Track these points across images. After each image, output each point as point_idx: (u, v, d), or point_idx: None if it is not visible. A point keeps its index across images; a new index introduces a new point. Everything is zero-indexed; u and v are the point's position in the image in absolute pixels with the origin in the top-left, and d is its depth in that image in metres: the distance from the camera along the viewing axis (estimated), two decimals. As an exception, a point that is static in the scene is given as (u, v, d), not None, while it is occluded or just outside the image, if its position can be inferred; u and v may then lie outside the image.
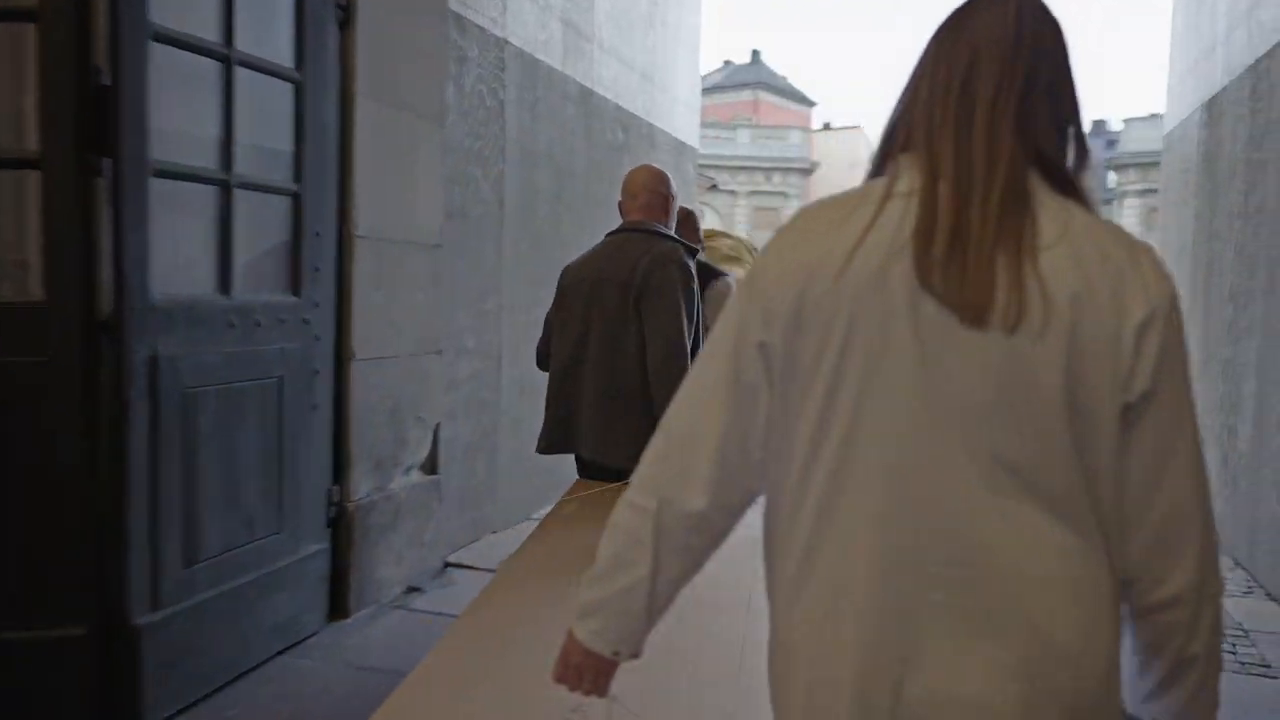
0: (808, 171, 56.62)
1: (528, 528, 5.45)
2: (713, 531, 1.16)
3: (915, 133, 1.08)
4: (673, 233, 3.10)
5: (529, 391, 5.52)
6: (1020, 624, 0.99)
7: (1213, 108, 6.04)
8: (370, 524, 3.98)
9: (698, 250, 3.12)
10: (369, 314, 3.93)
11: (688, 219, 3.88)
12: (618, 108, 6.70)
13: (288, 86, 3.49)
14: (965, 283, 0.98)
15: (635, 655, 1.21)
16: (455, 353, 4.72)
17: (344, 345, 3.82)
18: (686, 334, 2.80)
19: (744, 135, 55.60)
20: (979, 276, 0.98)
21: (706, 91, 63.85)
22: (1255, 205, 5.06)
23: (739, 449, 1.11)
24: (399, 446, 4.19)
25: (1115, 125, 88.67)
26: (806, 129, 61.08)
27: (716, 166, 54.09)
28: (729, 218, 54.24)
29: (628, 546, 1.15)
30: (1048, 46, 1.07)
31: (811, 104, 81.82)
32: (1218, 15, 6.21)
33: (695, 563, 1.18)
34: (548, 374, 3.14)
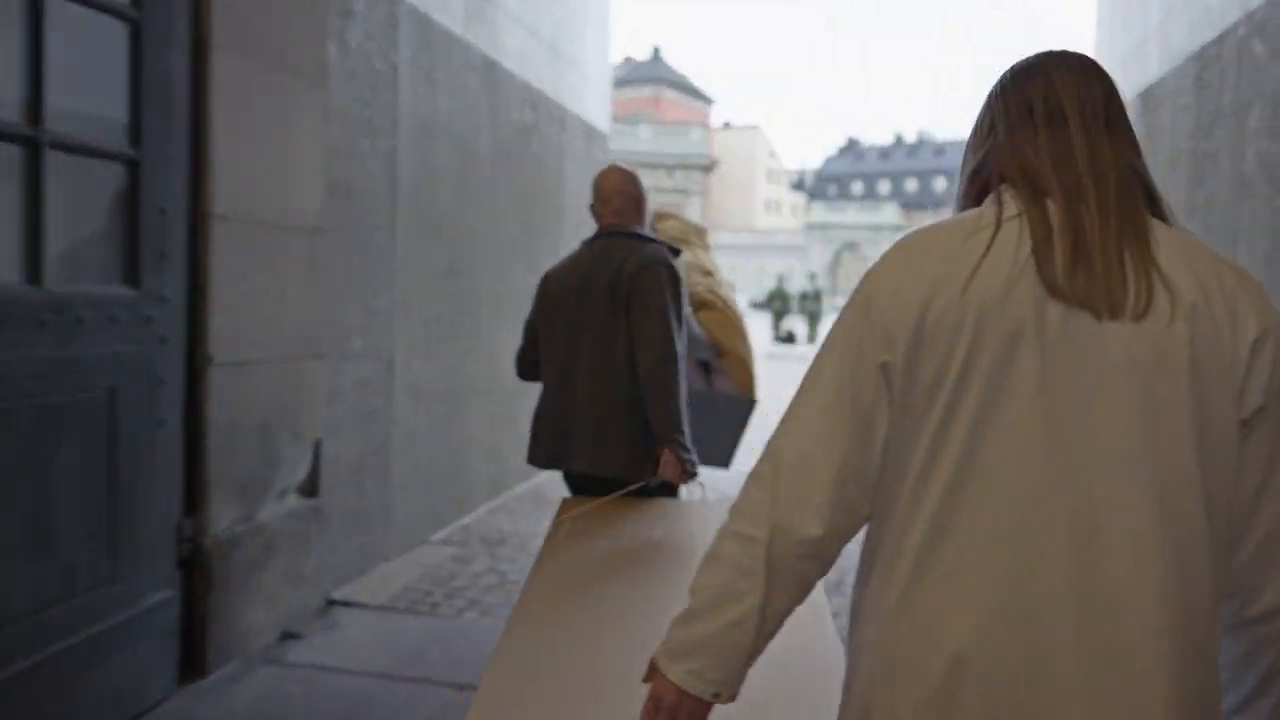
0: (708, 169, 56.77)
1: (427, 552, 4.92)
2: (825, 559, 1.13)
3: (1005, 167, 1.13)
4: (650, 233, 3.03)
5: (426, 399, 4.89)
6: (1150, 649, 0.99)
7: (1148, 99, 5.81)
8: (234, 561, 3.32)
9: (680, 251, 3.01)
10: (232, 310, 3.27)
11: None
12: (526, 84, 6.10)
13: (121, 27, 2.80)
14: (1094, 279, 1.01)
15: (732, 698, 1.15)
16: (340, 356, 4.07)
17: (199, 348, 3.15)
18: (677, 337, 2.75)
19: (645, 131, 55.35)
20: (1107, 272, 1.02)
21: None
22: (1204, 198, 4.81)
23: (857, 474, 1.10)
24: (270, 467, 3.53)
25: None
26: (707, 126, 61.24)
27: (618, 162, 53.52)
28: (630, 214, 53.90)
29: (735, 578, 1.10)
30: (1108, 82, 1.16)
31: (711, 101, 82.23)
32: (1149, 6, 6.00)
33: (804, 593, 1.14)
34: (534, 382, 3.12)
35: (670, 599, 1.47)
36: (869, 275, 1.13)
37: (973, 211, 1.13)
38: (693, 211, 55.05)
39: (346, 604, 3.99)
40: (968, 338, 1.02)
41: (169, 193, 3.00)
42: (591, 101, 7.59)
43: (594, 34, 7.67)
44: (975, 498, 1.02)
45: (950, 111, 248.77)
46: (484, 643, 3.67)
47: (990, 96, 1.20)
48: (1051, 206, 1.06)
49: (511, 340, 6.17)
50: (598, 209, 3.01)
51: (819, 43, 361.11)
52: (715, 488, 3.02)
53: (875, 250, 68.92)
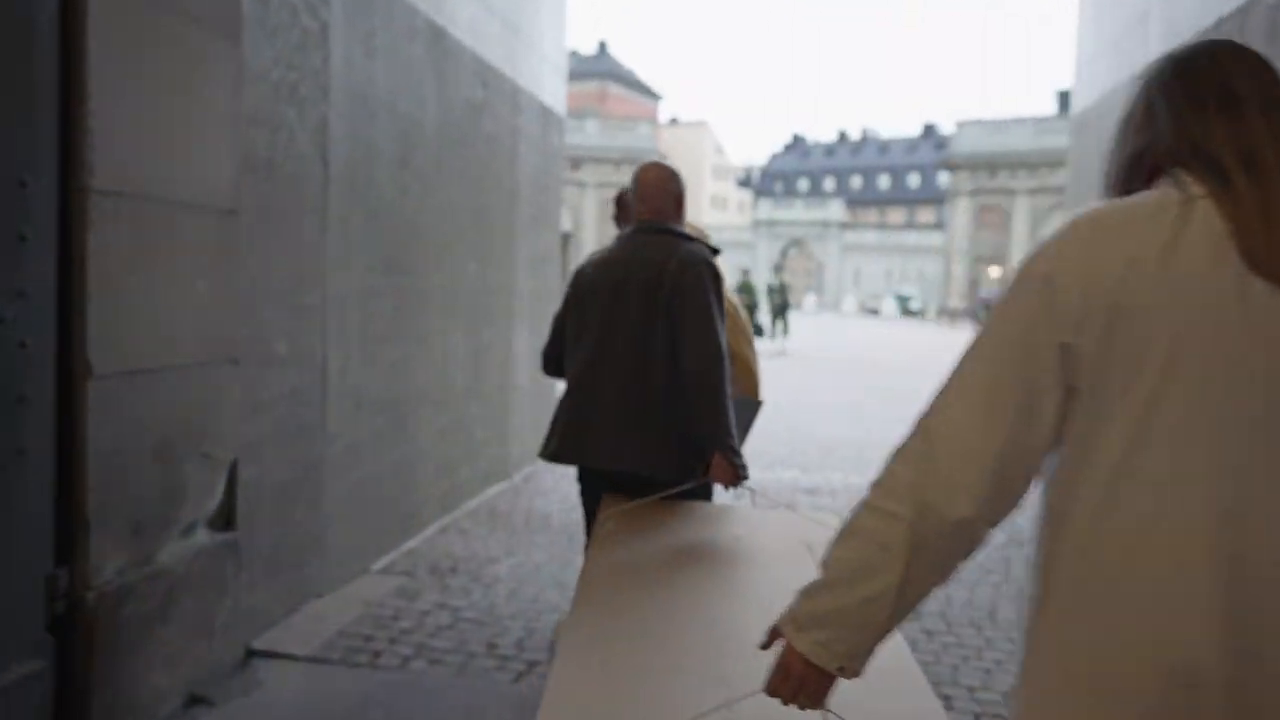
0: (657, 164, 56.22)
1: (367, 586, 4.20)
2: (972, 542, 1.11)
3: (1176, 151, 1.12)
4: (690, 232, 2.95)
5: (366, 410, 4.28)
6: None
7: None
8: (125, 616, 2.70)
9: (719, 250, 2.92)
10: (118, 308, 2.64)
11: (621, 200, 3.71)
12: (477, 57, 5.50)
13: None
14: None
15: (856, 674, 1.14)
16: (260, 362, 3.45)
17: (74, 356, 2.52)
18: (723, 337, 2.70)
19: (592, 125, 54.65)
20: None
21: None
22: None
23: (1019, 457, 1.08)
24: (171, 498, 2.91)
25: (945, 129, 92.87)
26: (654, 122, 60.78)
27: (566, 157, 52.85)
28: (577, 210, 53.24)
29: (873, 554, 1.09)
30: (1273, 68, 1.13)
31: (658, 97, 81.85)
32: (1146, -21, 5.62)
33: (945, 575, 1.13)
34: (559, 379, 3.04)
35: (730, 599, 1.71)
36: (1043, 254, 1.10)
37: (1149, 193, 1.12)
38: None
39: (270, 655, 3.37)
40: (1172, 316, 1.01)
41: (31, 160, 2.38)
42: (548, 83, 7.01)
43: (550, 13, 7.09)
44: (1189, 486, 1.01)
45: (891, 110, 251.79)
46: (435, 700, 3.09)
47: (1147, 85, 1.21)
48: (1242, 186, 1.04)
49: (466, 342, 5.60)
50: (636, 205, 2.91)
51: (764, 40, 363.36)
52: (765, 493, 2.87)
53: (821, 247, 69.44)
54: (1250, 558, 0.99)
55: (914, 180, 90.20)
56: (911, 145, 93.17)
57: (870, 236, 74.44)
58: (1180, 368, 1.00)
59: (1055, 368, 1.05)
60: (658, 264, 2.72)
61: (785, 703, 1.16)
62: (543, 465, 6.92)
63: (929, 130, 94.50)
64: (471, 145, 5.50)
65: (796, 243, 65.75)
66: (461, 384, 5.45)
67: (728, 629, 1.81)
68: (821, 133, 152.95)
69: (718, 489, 2.86)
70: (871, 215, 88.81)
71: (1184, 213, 1.04)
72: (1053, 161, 50.91)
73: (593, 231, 53.58)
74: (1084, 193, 6.69)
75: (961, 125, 55.60)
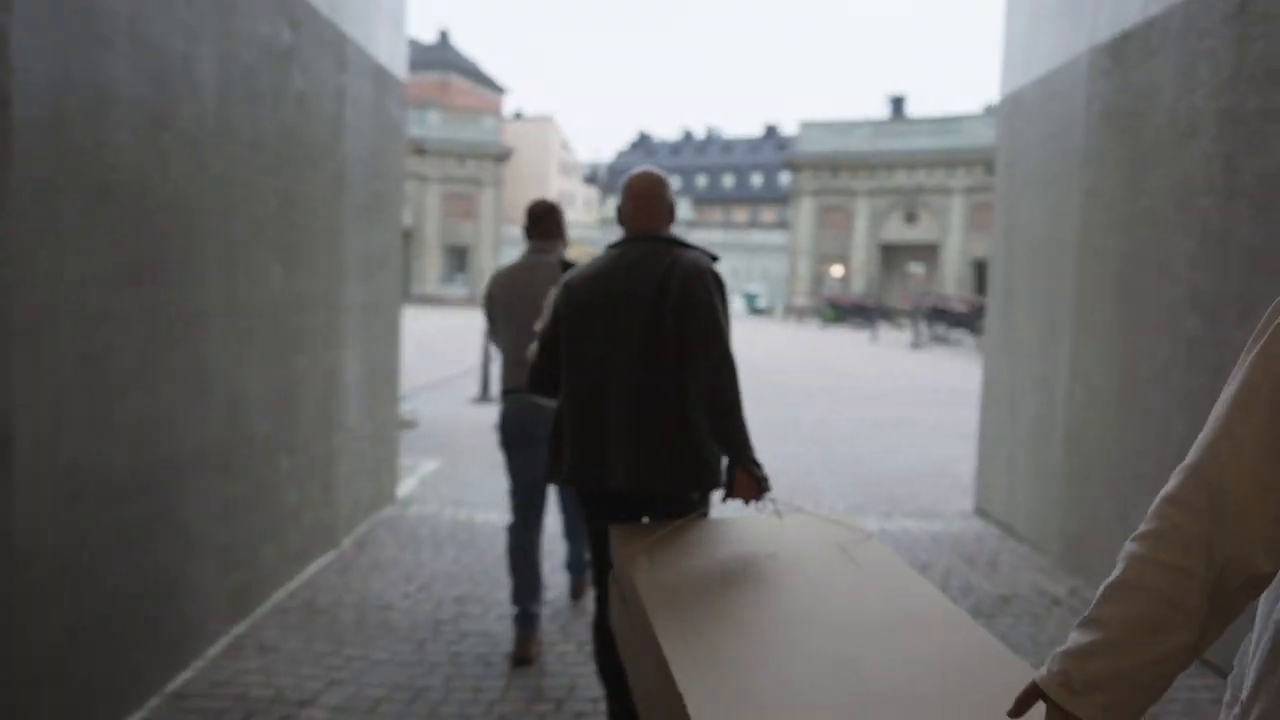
0: (502, 158, 54.43)
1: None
2: (1258, 594, 1.08)
3: None
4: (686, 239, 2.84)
5: (96, 498, 2.77)
6: None
7: (1125, 47, 4.50)
8: None
9: (718, 257, 2.80)
10: None
11: (551, 212, 3.88)
12: (280, -15, 4.02)
13: None
14: None
15: None
16: None
17: None
18: (731, 345, 2.66)
19: (434, 117, 52.31)
20: None
21: None
22: (1259, 172, 3.48)
23: None
24: None
25: (787, 130, 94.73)
26: (499, 115, 58.87)
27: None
28: (419, 205, 50.85)
29: (1164, 612, 1.04)
30: None
31: (503, 90, 79.77)
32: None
33: (1228, 626, 1.09)
34: (550, 398, 2.94)
35: (812, 609, 2.00)
36: None
37: None
38: (487, 203, 52.62)
39: None
40: None
41: None
42: (384, 37, 5.53)
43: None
44: None
45: (734, 110, 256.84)
46: None
47: None
48: None
49: (267, 378, 4.07)
50: (628, 212, 2.83)
51: (609, 36, 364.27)
52: (786, 503, 2.74)
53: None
54: None
55: (757, 180, 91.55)
56: (754, 145, 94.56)
57: (717, 235, 74.89)
58: None
59: None
60: (661, 274, 2.64)
61: None
62: (385, 523, 5.45)
63: (771, 131, 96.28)
64: (275, 104, 4.01)
65: (645, 241, 65.07)
66: (262, 435, 3.96)
67: (828, 638, 1.87)
68: (667, 131, 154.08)
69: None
70: (717, 214, 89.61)
71: None
72: (890, 164, 52.34)
73: (436, 228, 51.34)
74: (1019, 182, 5.79)
75: (805, 126, 56.34)
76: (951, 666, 1.74)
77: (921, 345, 27.45)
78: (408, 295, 51.81)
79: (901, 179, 52.27)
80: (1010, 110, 5.94)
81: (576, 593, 4.33)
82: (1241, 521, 1.02)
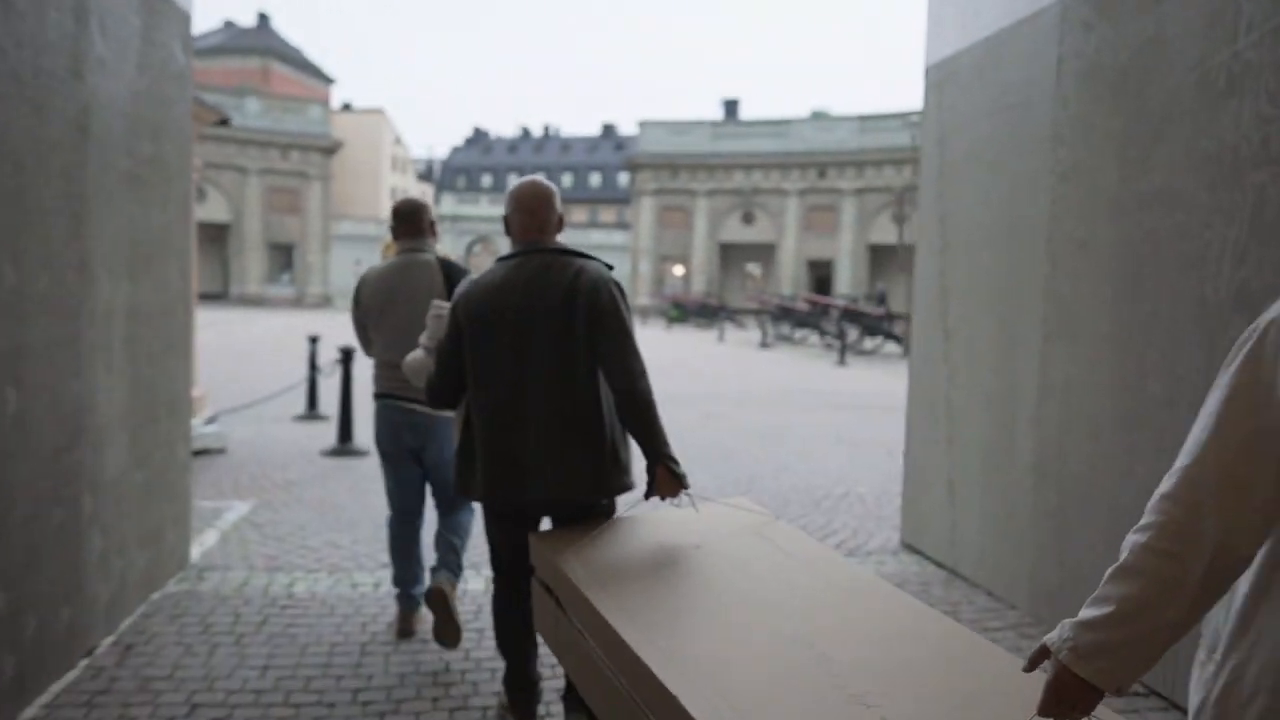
0: (331, 151, 51.33)
1: None
2: (1241, 575, 1.26)
3: None
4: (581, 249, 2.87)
5: None
6: None
7: (1113, -6, 3.66)
8: None
9: (613, 266, 2.85)
10: None
11: (420, 210, 3.80)
12: None
13: None
14: None
15: (1126, 692, 1.28)
16: None
17: None
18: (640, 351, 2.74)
19: (253, 105, 48.74)
20: None
21: (205, 54, 55.83)
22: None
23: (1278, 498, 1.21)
24: None
25: (625, 129, 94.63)
26: (327, 105, 55.55)
27: (220, 139, 46.75)
28: (237, 198, 47.23)
29: (1160, 592, 1.22)
30: None
31: (330, 81, 75.72)
32: None
33: (1215, 603, 1.28)
34: (454, 412, 2.98)
35: (751, 587, 2.20)
36: (1273, 315, 1.25)
37: None
38: (314, 197, 49.47)
39: None
40: None
41: None
42: (156, -49, 4.10)
43: None
44: None
45: (571, 109, 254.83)
46: None
47: None
48: None
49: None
50: (519, 223, 2.82)
51: (440, 29, 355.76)
52: (701, 496, 2.78)
53: (506, 244, 67.46)
54: None
55: (596, 180, 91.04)
56: (592, 145, 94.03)
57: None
58: None
59: None
60: (567, 285, 2.68)
61: (1056, 719, 1.31)
62: (169, 606, 4.05)
63: (609, 130, 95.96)
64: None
65: (482, 239, 63.18)
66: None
67: (776, 615, 2.05)
68: (504, 128, 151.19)
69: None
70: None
71: None
72: (728, 165, 52.65)
73: (257, 223, 47.83)
74: (956, 162, 4.93)
75: (644, 125, 55.96)
76: (894, 631, 1.97)
77: (769, 344, 27.22)
78: (226, 296, 48.12)
79: (739, 180, 52.64)
80: (940, 79, 5.08)
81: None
82: (1227, 514, 1.20)
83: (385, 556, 4.42)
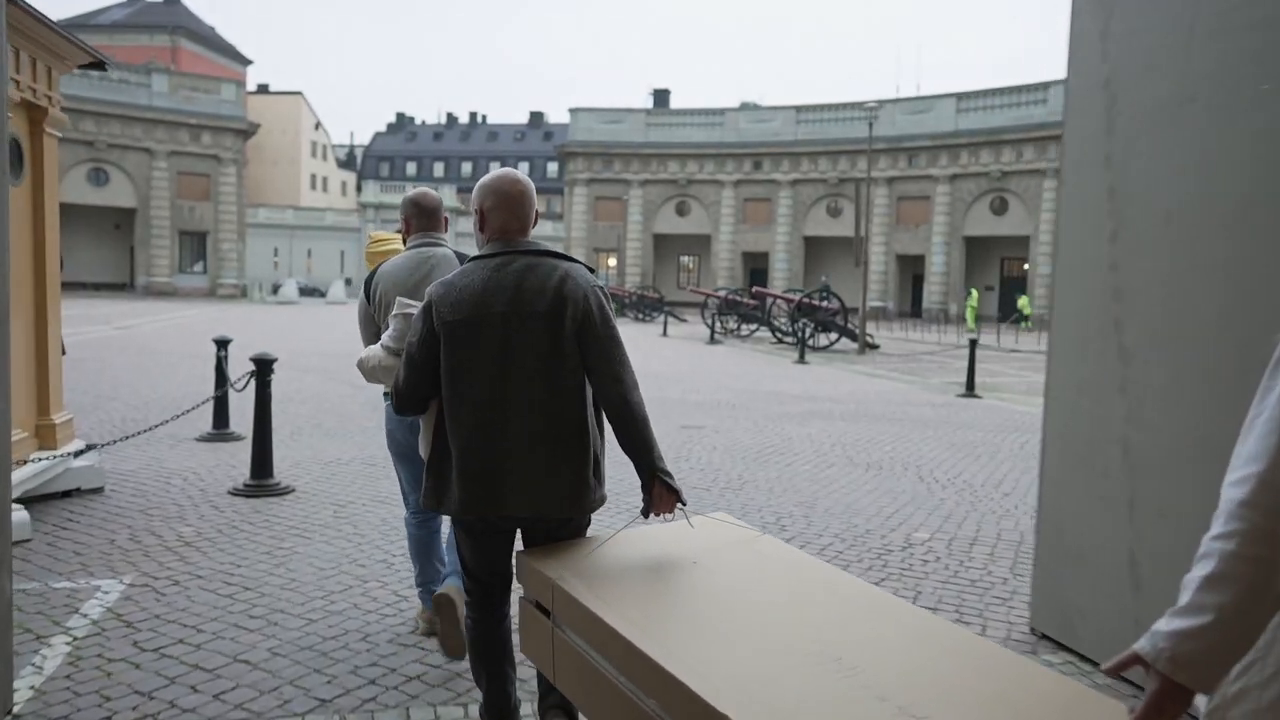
0: (246, 133, 48.36)
1: None
2: None
3: None
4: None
5: None
6: None
7: None
8: None
9: (594, 269, 2.79)
10: None
11: (441, 206, 3.73)
12: None
13: None
14: None
15: (1213, 690, 1.31)
16: None
17: None
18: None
19: (160, 82, 45.59)
20: None
21: (108, 30, 52.46)
22: None
23: None
24: None
25: (554, 118, 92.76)
26: (242, 84, 52.44)
27: (124, 118, 43.61)
28: (144, 183, 44.10)
29: (1255, 597, 1.24)
30: None
31: (247, 62, 72.08)
32: None
33: None
34: (422, 419, 2.79)
35: (747, 601, 2.20)
36: None
37: None
38: (229, 183, 46.59)
39: None
40: None
41: None
42: None
43: None
44: None
45: (498, 96, 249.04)
46: None
47: None
48: None
49: None
50: (503, 219, 2.64)
51: (359, 11, 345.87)
52: (694, 510, 2.74)
53: (395, 250, 64.86)
54: None
55: (524, 169, 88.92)
56: (520, 133, 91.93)
57: (484, 224, 71.61)
58: None
59: None
60: (554, 290, 2.56)
61: None
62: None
63: (536, 118, 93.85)
64: None
65: (409, 229, 60.84)
66: None
67: (786, 625, 2.08)
68: (427, 114, 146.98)
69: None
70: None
71: None
72: (663, 154, 51.29)
73: (166, 209, 44.72)
74: (1132, 112, 3.55)
75: (575, 112, 54.24)
76: (914, 641, 2.00)
77: (718, 340, 25.95)
78: (132, 287, 44.97)
79: (674, 169, 51.38)
80: (1100, 8, 3.68)
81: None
82: None
83: (334, 679, 3.24)
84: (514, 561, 2.65)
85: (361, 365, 3.06)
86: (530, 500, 2.54)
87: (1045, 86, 41.83)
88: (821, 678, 1.79)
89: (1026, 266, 43.23)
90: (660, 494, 2.54)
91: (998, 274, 45.59)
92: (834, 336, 24.02)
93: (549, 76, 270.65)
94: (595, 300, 2.58)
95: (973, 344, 13.76)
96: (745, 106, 53.55)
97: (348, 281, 55.88)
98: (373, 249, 4.31)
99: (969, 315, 36.71)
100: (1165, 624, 1.31)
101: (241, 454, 7.13)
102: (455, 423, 2.56)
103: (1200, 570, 1.28)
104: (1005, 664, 1.92)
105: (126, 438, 6.03)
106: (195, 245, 46.72)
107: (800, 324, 23.02)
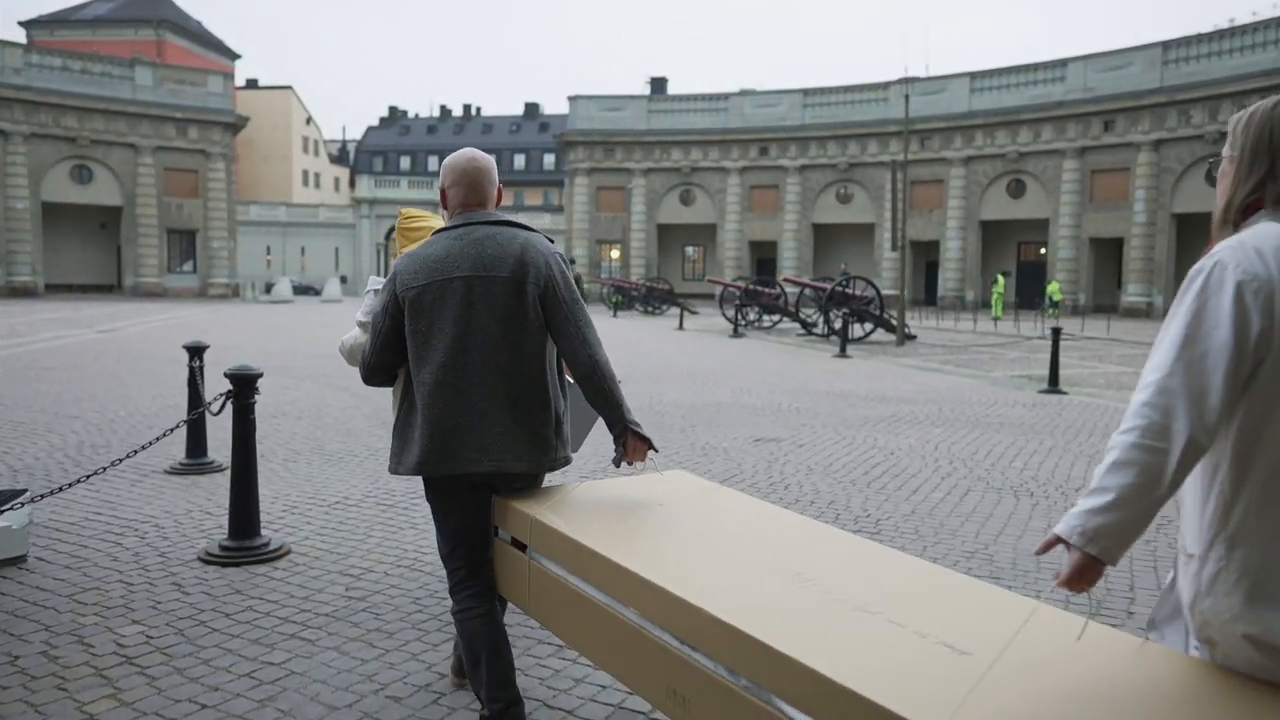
0: (235, 127, 46.55)
1: None
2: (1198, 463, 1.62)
3: (1265, 197, 1.68)
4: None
5: None
6: None
7: None
8: None
9: (553, 239, 2.83)
10: None
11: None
12: None
13: None
14: None
15: (1115, 563, 1.62)
16: None
17: None
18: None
19: (145, 75, 43.74)
20: None
21: (91, 24, 50.08)
22: None
23: (1232, 405, 1.58)
24: None
25: (549, 109, 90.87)
26: (230, 77, 50.59)
27: (107, 112, 41.82)
28: (129, 180, 42.26)
29: (1150, 479, 1.55)
30: None
31: (235, 56, 70.12)
32: None
33: (1180, 486, 1.62)
34: (387, 385, 2.86)
35: (711, 532, 2.42)
36: (1224, 264, 1.58)
37: (1272, 224, 1.64)
38: (218, 179, 44.81)
39: None
40: None
41: None
42: None
43: None
44: None
45: (493, 88, 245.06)
46: None
47: (1268, 134, 1.67)
48: None
49: None
50: (462, 194, 2.75)
51: (350, 2, 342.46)
52: (662, 461, 2.87)
53: (431, 228, 63.29)
54: None
55: (520, 161, 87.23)
56: (515, 124, 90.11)
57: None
58: None
59: (1253, 343, 1.55)
60: (516, 256, 2.63)
61: (1074, 592, 1.63)
62: None
63: (532, 109, 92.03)
64: None
65: (405, 224, 59.30)
66: None
67: (749, 549, 2.29)
68: (420, 107, 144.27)
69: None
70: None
71: None
72: (666, 141, 49.59)
73: (153, 207, 42.91)
74: None
75: (575, 100, 52.48)
76: (872, 562, 2.20)
77: (742, 333, 24.36)
78: (120, 288, 43.18)
79: (677, 157, 49.69)
80: None
81: None
82: (1191, 417, 1.54)
83: None
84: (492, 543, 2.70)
85: (342, 347, 3.19)
86: (491, 456, 2.59)
87: (1063, 64, 40.15)
88: (785, 586, 1.99)
89: (1043, 251, 41.68)
90: (633, 443, 2.67)
91: (1014, 259, 44.00)
92: (869, 327, 22.39)
93: (544, 67, 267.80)
94: (557, 265, 2.67)
95: (1056, 333, 12.11)
96: (747, 93, 51.76)
97: (343, 279, 54.18)
98: (406, 226, 3.37)
99: (995, 302, 35.18)
100: (1077, 507, 1.62)
101: (220, 492, 5.53)
102: (419, 385, 2.64)
103: (1107, 459, 1.60)
104: (937, 574, 2.17)
105: (58, 490, 4.38)
106: (185, 244, 44.95)
107: (834, 315, 21.39)
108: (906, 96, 25.17)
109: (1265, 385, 1.55)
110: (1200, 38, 36.15)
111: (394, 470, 2.69)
